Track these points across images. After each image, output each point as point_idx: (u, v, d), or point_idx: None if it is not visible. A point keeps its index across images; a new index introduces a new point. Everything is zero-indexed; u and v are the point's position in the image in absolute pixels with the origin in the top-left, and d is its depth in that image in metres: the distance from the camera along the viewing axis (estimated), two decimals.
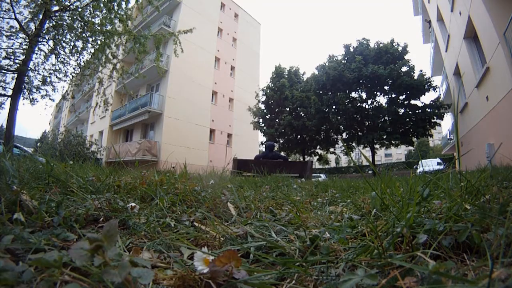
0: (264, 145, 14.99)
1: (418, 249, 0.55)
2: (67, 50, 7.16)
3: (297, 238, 0.72)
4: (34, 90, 7.18)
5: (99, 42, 7.07)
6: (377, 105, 16.90)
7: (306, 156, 20.76)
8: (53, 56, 7.08)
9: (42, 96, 7.36)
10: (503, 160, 3.68)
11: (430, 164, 13.27)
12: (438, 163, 15.04)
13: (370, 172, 18.77)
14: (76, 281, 0.40)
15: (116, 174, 1.54)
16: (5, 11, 6.33)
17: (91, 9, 6.65)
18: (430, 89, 15.81)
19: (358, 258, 0.55)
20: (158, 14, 16.92)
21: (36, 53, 6.82)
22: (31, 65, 6.86)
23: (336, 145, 20.36)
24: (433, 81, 15.87)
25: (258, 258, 0.59)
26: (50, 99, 7.58)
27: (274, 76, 21.47)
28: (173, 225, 0.85)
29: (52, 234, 0.60)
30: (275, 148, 19.61)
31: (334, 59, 17.99)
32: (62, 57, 7.18)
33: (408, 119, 16.23)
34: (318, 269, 0.52)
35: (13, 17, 6.32)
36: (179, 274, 0.49)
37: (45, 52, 7.01)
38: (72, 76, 7.75)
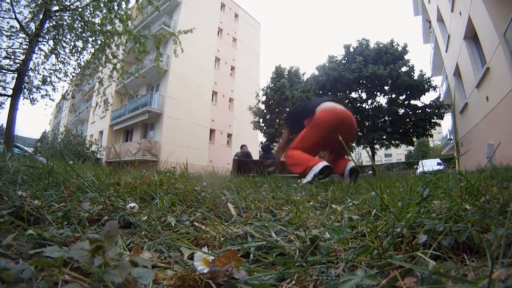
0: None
1: (418, 250, 0.55)
2: (67, 50, 7.17)
3: (297, 238, 0.72)
4: (34, 90, 7.18)
5: (99, 42, 7.07)
6: (377, 105, 16.90)
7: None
8: (53, 56, 7.08)
9: (42, 96, 7.35)
10: (503, 161, 3.68)
11: (430, 164, 13.28)
12: (438, 163, 15.06)
13: (370, 172, 18.77)
14: (77, 281, 0.40)
15: (116, 174, 1.54)
16: (5, 11, 6.34)
17: (91, 9, 6.65)
18: (430, 89, 15.82)
19: (358, 259, 0.55)
20: (158, 14, 16.92)
21: (36, 53, 6.82)
22: (31, 65, 6.86)
23: None
24: (433, 81, 15.88)
25: (258, 258, 0.59)
26: (50, 99, 7.58)
27: (274, 76, 21.47)
28: (173, 224, 0.85)
29: (56, 232, 0.60)
30: (273, 150, 19.61)
31: (334, 60, 17.98)
32: (62, 57, 7.18)
33: (408, 119, 16.22)
34: (318, 269, 0.52)
35: (13, 17, 6.32)
36: (179, 274, 0.49)
37: (45, 52, 7.01)
38: (72, 76, 7.75)
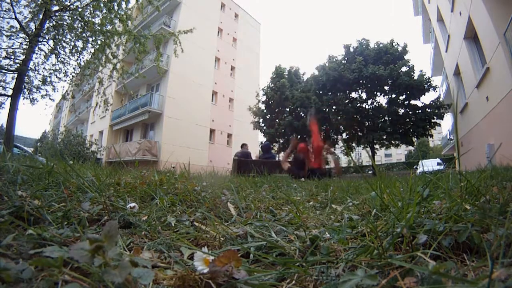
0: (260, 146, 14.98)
1: (418, 250, 0.55)
2: (67, 50, 7.16)
3: (297, 238, 0.72)
4: (34, 90, 7.17)
5: (99, 42, 7.06)
6: (377, 105, 16.91)
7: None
8: (53, 56, 7.07)
9: (42, 96, 7.34)
10: (503, 160, 3.68)
11: (430, 164, 13.28)
12: (438, 163, 15.06)
13: (370, 172, 18.77)
14: (77, 280, 0.40)
15: (116, 174, 1.54)
16: (5, 11, 6.33)
17: (91, 9, 6.64)
18: (430, 89, 15.82)
19: (358, 259, 0.55)
20: (158, 14, 16.92)
21: (36, 53, 6.81)
22: (31, 65, 6.85)
23: (336, 145, 20.36)
24: (433, 81, 15.88)
25: (258, 258, 0.59)
26: (50, 99, 7.57)
27: (274, 76, 21.47)
28: (173, 224, 0.85)
29: (56, 232, 0.60)
30: (273, 149, 19.63)
31: (334, 60, 17.99)
32: (62, 57, 7.17)
33: (408, 119, 16.22)
34: (318, 269, 0.52)
35: (13, 17, 6.32)
36: (179, 274, 0.49)
37: (45, 52, 7.00)
38: (72, 76, 7.74)
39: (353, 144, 18.10)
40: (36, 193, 0.92)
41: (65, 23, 6.68)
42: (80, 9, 6.58)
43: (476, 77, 8.76)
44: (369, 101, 17.06)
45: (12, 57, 6.50)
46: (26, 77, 6.79)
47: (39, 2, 6.25)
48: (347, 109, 16.48)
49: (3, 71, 6.56)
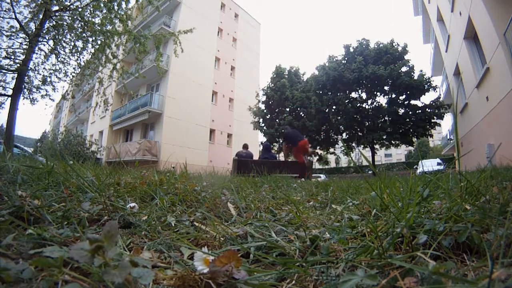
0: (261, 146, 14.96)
1: (418, 250, 0.55)
2: (67, 50, 7.16)
3: (297, 238, 0.72)
4: (34, 90, 7.17)
5: (99, 42, 7.06)
6: (377, 105, 16.91)
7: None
8: (53, 56, 7.07)
9: (42, 96, 7.34)
10: (503, 160, 3.68)
11: (430, 165, 13.28)
12: (438, 164, 15.06)
13: (370, 172, 18.76)
14: (77, 281, 0.40)
15: (116, 174, 1.54)
16: (5, 10, 6.33)
17: (91, 9, 6.64)
18: (430, 89, 15.82)
19: (358, 259, 0.55)
20: (158, 14, 16.91)
21: (36, 53, 6.81)
22: (31, 65, 6.86)
23: (336, 146, 20.36)
24: (433, 81, 15.88)
25: (258, 258, 0.59)
26: (50, 99, 7.57)
27: (274, 76, 21.47)
28: (173, 224, 0.85)
29: (56, 232, 0.60)
30: (273, 149, 19.63)
31: (334, 60, 17.99)
32: (62, 57, 7.17)
33: (408, 119, 16.22)
34: (318, 269, 0.52)
35: (13, 17, 6.32)
36: (179, 274, 0.49)
37: (45, 52, 7.00)
38: (72, 76, 7.74)
39: (353, 144, 18.10)
40: (36, 193, 0.92)
41: (65, 23, 6.68)
42: (80, 9, 6.58)
43: (476, 77, 8.76)
44: (369, 101, 17.06)
45: (12, 57, 6.50)
46: (26, 77, 6.79)
47: (39, 2, 6.25)
48: (347, 109, 16.48)
49: (3, 71, 6.56)
